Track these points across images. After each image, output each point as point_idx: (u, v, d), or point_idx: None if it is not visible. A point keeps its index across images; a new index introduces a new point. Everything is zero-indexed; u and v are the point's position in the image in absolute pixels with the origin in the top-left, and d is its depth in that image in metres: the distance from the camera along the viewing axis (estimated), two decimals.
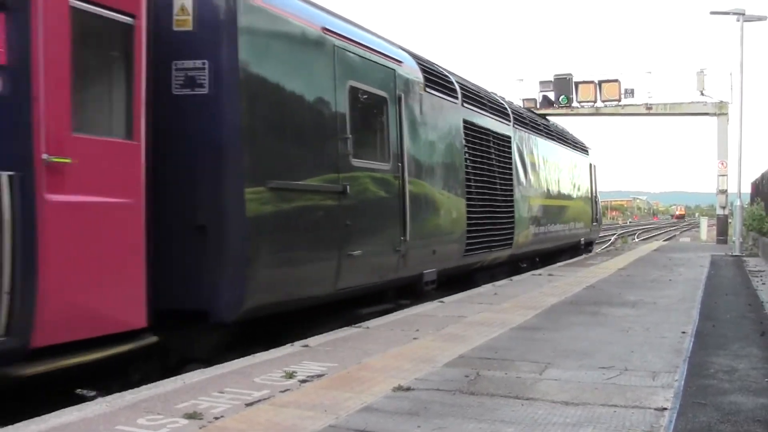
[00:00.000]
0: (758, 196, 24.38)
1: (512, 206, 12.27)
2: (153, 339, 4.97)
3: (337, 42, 7.07)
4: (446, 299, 8.59)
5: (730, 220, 23.65)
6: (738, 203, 19.59)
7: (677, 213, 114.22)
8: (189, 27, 5.53)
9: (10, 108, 4.21)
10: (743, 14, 19.62)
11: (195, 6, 5.51)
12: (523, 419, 3.64)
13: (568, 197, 17.11)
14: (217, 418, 3.64)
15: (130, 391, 4.19)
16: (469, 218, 10.21)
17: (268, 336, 5.99)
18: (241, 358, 5.16)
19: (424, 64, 9.53)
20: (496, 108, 12.26)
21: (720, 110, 25.58)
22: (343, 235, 6.88)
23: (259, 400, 3.99)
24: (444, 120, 9.77)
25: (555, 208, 15.54)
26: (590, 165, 20.01)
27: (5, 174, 4.03)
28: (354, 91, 7.31)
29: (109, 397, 4.04)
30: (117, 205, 4.81)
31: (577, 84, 27.42)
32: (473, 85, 11.93)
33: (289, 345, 5.65)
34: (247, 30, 5.71)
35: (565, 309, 7.68)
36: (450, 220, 9.71)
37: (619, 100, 27.24)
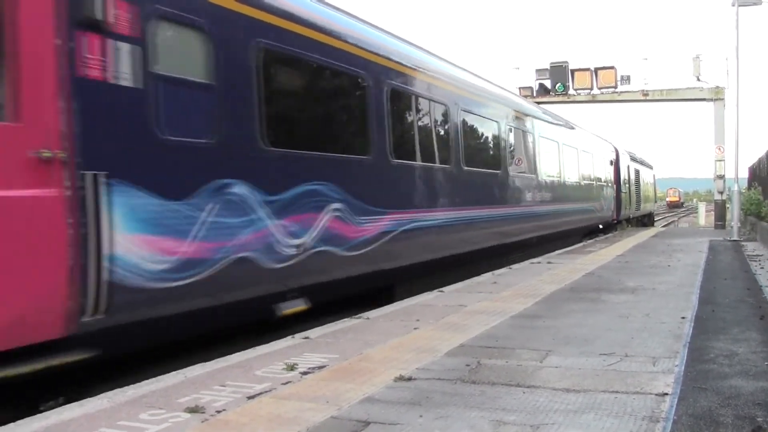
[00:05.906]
0: (755, 181, 24.41)
1: (640, 195, 29.75)
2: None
3: (631, 158, 28.93)
4: (445, 289, 8.60)
5: (727, 205, 23.66)
6: (735, 188, 19.60)
7: (669, 199, 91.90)
8: (613, 160, 24.49)
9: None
10: None
11: (614, 155, 24.87)
12: (524, 407, 3.65)
13: (648, 190, 35.49)
14: (219, 412, 3.65)
15: (131, 386, 4.19)
16: (636, 199, 28.83)
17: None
18: (242, 351, 5.17)
19: (625, 149, 27.53)
20: (636, 159, 30.31)
21: (716, 95, 25.54)
22: (621, 203, 25.10)
23: (260, 393, 4.00)
24: (632, 169, 28.01)
25: (646, 195, 33.57)
26: (653, 175, 40.46)
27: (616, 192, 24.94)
28: (630, 171, 27.73)
29: (110, 393, 4.04)
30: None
31: (573, 71, 27.34)
32: (632, 152, 30.14)
33: (289, 337, 5.66)
34: (623, 161, 26.11)
35: (565, 296, 7.70)
36: (634, 200, 28.07)
37: (616, 87, 27.18)
